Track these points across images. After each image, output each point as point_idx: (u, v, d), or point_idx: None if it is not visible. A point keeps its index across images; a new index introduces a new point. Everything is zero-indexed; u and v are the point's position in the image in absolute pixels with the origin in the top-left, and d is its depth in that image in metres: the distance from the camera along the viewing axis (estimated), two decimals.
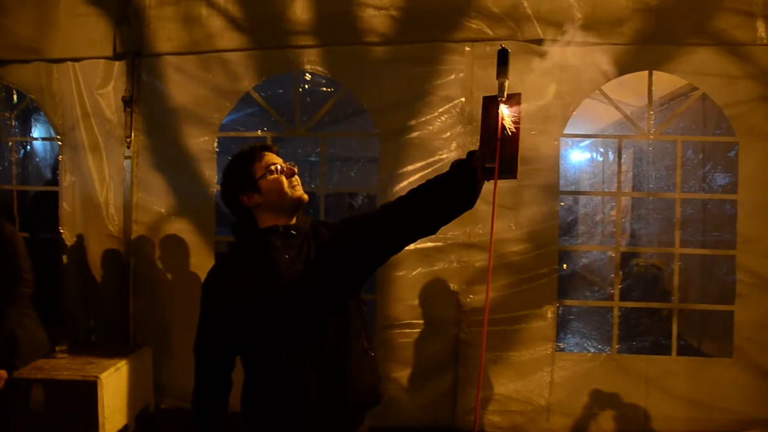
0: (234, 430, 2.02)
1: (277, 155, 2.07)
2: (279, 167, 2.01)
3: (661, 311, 6.21)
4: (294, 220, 2.04)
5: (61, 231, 4.58)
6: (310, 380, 1.91)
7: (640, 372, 4.20)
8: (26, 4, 4.55)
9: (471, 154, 1.87)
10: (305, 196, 2.03)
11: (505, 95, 1.81)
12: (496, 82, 1.83)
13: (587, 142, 9.61)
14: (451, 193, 1.90)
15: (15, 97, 4.92)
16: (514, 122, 1.80)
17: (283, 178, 2.00)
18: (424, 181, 1.98)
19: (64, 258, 4.62)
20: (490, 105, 1.84)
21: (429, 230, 2.00)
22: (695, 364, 4.27)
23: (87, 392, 3.70)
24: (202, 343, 2.02)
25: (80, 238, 4.60)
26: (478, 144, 1.85)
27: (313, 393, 1.91)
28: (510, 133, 1.80)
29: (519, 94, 1.81)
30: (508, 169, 1.80)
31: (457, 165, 1.90)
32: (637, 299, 6.53)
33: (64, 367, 3.83)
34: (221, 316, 1.97)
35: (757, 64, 4.02)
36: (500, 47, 1.85)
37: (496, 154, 1.79)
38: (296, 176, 2.04)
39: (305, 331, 1.92)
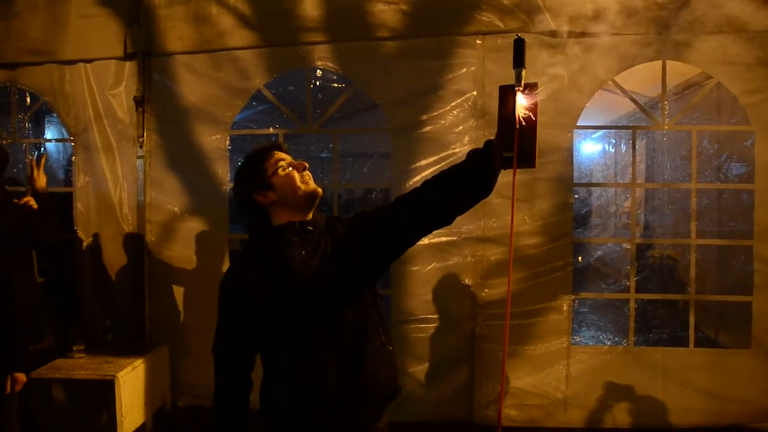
0: (254, 428, 2.02)
1: (287, 153, 2.07)
2: (289, 163, 2.02)
3: (677, 303, 6.17)
4: (310, 216, 2.04)
5: (76, 231, 4.61)
6: (329, 375, 1.90)
7: (658, 364, 4.18)
8: (37, 7, 4.57)
9: (488, 143, 1.87)
10: (319, 189, 2.03)
11: (522, 84, 1.80)
12: (508, 75, 1.83)
13: (600, 133, 9.54)
14: (468, 182, 1.89)
15: (28, 99, 4.94)
16: (531, 111, 1.80)
17: (295, 173, 2.00)
18: (437, 173, 1.97)
19: (79, 259, 4.64)
20: (506, 94, 1.84)
21: (445, 220, 1.99)
22: (713, 355, 4.24)
23: (105, 391, 3.74)
24: (221, 343, 2.02)
25: (95, 238, 4.63)
26: (495, 133, 1.84)
27: (332, 388, 1.90)
28: (527, 123, 1.79)
29: (536, 84, 1.81)
30: (526, 158, 1.80)
31: (473, 154, 1.89)
32: (652, 291, 6.48)
33: (81, 366, 3.86)
34: (240, 316, 1.97)
35: None
36: (516, 37, 1.85)
37: (513, 143, 1.78)
38: (308, 171, 2.04)
39: (323, 326, 1.92)
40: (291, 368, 1.93)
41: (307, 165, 2.05)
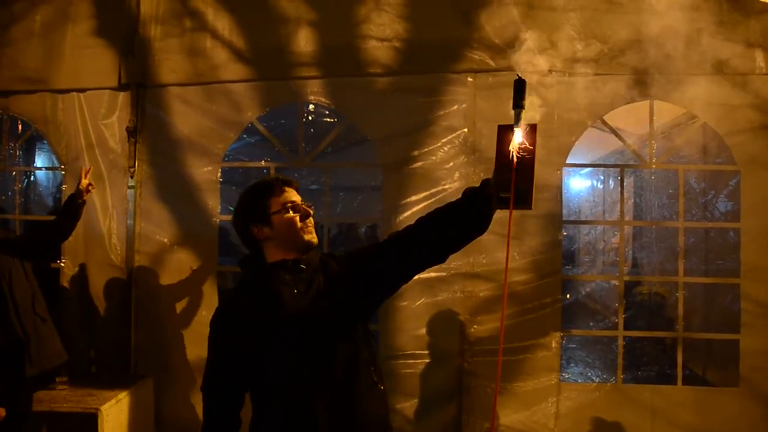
0: None
1: (297, 191, 2.07)
2: (296, 207, 2.01)
3: (665, 339, 6.17)
4: (303, 255, 2.04)
5: (63, 261, 4.57)
6: (320, 414, 1.89)
7: (646, 402, 4.16)
8: (33, 36, 4.59)
9: (485, 182, 1.87)
10: (315, 240, 2.03)
11: (522, 125, 1.81)
12: (499, 112, 1.84)
13: (588, 169, 9.63)
14: (463, 221, 1.91)
15: (20, 126, 4.95)
16: (530, 153, 1.80)
17: (298, 219, 2.00)
18: (430, 210, 1.99)
19: (66, 287, 4.60)
20: (504, 134, 1.84)
21: (439, 258, 2.01)
22: (701, 393, 4.24)
23: (87, 424, 3.67)
24: (210, 380, 2.01)
25: (82, 267, 4.59)
26: (492, 172, 1.85)
27: (322, 427, 1.89)
28: (525, 164, 1.79)
29: (534, 125, 1.81)
30: (524, 200, 1.80)
31: (470, 193, 1.90)
32: (641, 328, 6.49)
33: (64, 399, 3.81)
34: (230, 353, 1.96)
35: (756, 93, 4.05)
36: (517, 77, 1.86)
37: (511, 184, 1.78)
38: (311, 218, 2.04)
39: (315, 365, 1.91)
40: (282, 405, 1.92)
41: (311, 212, 2.04)
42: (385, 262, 2.02)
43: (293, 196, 2.04)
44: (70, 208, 3.91)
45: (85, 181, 3.93)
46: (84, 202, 3.93)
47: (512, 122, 1.85)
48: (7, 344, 3.54)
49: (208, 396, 2.01)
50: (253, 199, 2.03)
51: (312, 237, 2.02)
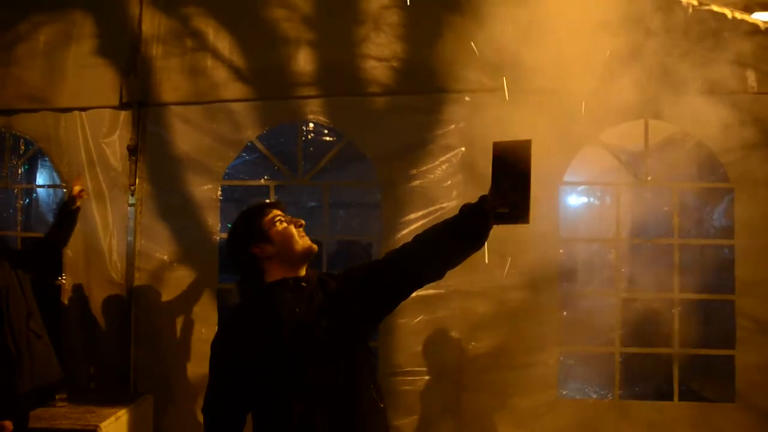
0: None
1: (284, 212, 2.11)
2: (285, 218, 2.07)
3: (662, 355, 6.18)
4: (303, 272, 2.07)
5: (64, 278, 4.59)
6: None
7: (643, 418, 4.19)
8: (36, 55, 4.64)
9: (482, 198, 1.90)
10: (314, 246, 2.08)
11: (516, 140, 1.85)
12: (496, 131, 1.87)
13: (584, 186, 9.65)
14: (460, 238, 1.94)
15: (22, 145, 4.99)
16: (525, 168, 1.84)
17: (293, 228, 2.05)
18: (427, 228, 2.03)
19: (66, 304, 4.61)
20: (500, 151, 1.87)
21: (437, 275, 2.05)
22: (698, 409, 4.27)
23: None
24: (212, 403, 2.03)
25: (83, 284, 4.60)
26: (489, 189, 1.88)
27: None
28: (521, 179, 1.83)
29: (529, 141, 1.84)
30: (521, 215, 1.82)
31: (466, 210, 1.94)
32: (637, 344, 6.49)
33: (63, 416, 3.80)
34: (231, 375, 1.98)
35: (749, 112, 4.11)
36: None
37: (507, 199, 1.83)
38: (303, 229, 2.09)
39: (315, 383, 1.93)
40: (282, 425, 1.93)
41: (303, 222, 2.09)
42: (383, 279, 2.04)
43: (281, 213, 2.09)
44: (64, 215, 3.96)
45: (76, 188, 3.98)
46: (78, 208, 3.97)
47: (508, 139, 1.88)
48: None
49: (210, 418, 2.02)
50: (249, 222, 2.07)
51: (310, 243, 2.06)
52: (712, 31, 4.05)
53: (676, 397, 4.25)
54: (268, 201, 2.16)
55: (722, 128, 4.12)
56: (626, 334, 4.89)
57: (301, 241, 2.05)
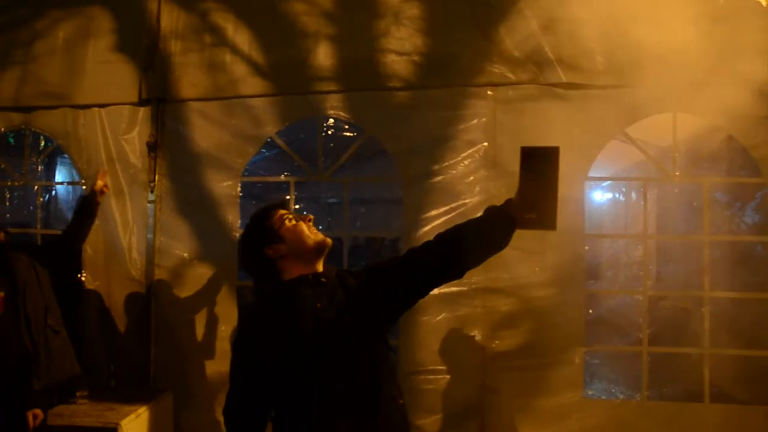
0: None
1: (290, 210, 2.13)
2: (295, 216, 2.07)
3: (691, 355, 6.05)
4: (321, 268, 2.06)
5: (84, 275, 4.59)
6: (342, 428, 1.89)
7: (672, 420, 4.07)
8: (55, 52, 4.66)
9: (508, 202, 1.90)
10: (328, 240, 2.07)
11: (545, 147, 1.82)
12: (519, 126, 1.85)
13: (610, 182, 9.54)
14: (484, 239, 1.94)
15: (42, 142, 5.00)
16: (553, 174, 1.80)
17: (303, 224, 2.04)
18: (450, 226, 2.01)
19: (86, 301, 4.62)
20: (528, 156, 1.84)
21: (457, 273, 2.04)
22: (730, 411, 4.13)
23: None
24: (232, 404, 2.01)
25: (102, 281, 4.61)
26: (516, 193, 1.85)
27: None
28: (548, 186, 1.80)
29: (557, 148, 1.82)
30: (548, 222, 1.81)
31: (492, 213, 1.92)
32: (666, 344, 6.38)
33: (84, 413, 3.81)
34: (253, 376, 1.97)
35: None
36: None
37: (534, 205, 1.79)
38: (312, 224, 2.09)
39: (337, 380, 1.92)
40: (304, 423, 1.92)
41: (312, 217, 2.09)
42: (404, 276, 2.04)
43: (288, 212, 2.11)
44: (85, 208, 3.96)
45: (100, 183, 3.99)
46: (98, 203, 3.97)
47: (532, 143, 1.87)
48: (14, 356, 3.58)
49: (230, 419, 2.02)
50: (260, 225, 2.08)
51: (323, 236, 2.06)
52: (742, 21, 3.92)
53: (706, 399, 4.12)
54: (272, 203, 2.15)
55: (754, 121, 4.00)
56: (654, 333, 4.75)
57: (313, 235, 2.05)
